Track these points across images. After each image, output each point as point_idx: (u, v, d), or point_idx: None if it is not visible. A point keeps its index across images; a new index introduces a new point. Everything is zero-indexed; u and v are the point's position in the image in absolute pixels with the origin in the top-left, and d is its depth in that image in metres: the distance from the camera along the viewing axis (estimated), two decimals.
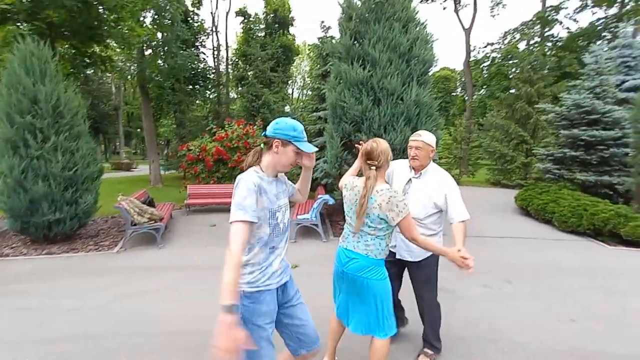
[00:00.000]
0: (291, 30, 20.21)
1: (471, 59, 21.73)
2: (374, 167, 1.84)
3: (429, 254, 2.25)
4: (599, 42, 13.60)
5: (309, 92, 12.85)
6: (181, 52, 14.29)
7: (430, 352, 2.45)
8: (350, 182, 1.99)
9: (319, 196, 5.90)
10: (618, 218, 5.50)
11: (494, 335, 2.76)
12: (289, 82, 23.77)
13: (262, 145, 1.62)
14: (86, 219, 5.70)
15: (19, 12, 7.03)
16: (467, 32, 20.81)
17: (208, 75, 18.25)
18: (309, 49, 29.45)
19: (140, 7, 8.90)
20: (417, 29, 5.63)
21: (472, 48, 21.73)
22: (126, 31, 8.39)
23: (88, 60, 9.88)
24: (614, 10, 17.86)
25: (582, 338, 2.75)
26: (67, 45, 9.28)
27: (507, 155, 12.32)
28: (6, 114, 4.92)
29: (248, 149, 8.78)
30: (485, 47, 21.98)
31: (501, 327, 2.89)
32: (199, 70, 17.50)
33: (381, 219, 1.81)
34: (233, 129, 9.01)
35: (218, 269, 4.37)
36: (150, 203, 6.02)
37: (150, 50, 13.65)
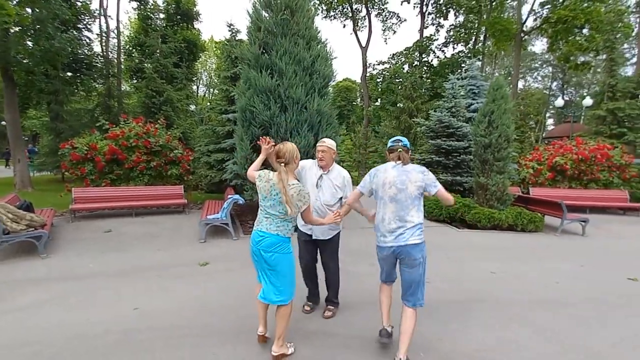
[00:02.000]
0: (196, 25, 19.34)
1: (367, 74, 24.49)
2: (282, 163, 2.35)
3: (335, 233, 3.12)
4: (459, 71, 17.19)
5: (217, 92, 12.60)
6: (60, 33, 12.25)
7: (332, 307, 3.29)
8: (265, 175, 2.43)
9: (229, 196, 6.10)
10: (464, 208, 7.30)
11: (373, 299, 3.56)
12: (194, 79, 22.57)
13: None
14: None
15: None
16: (364, 50, 23.41)
17: (94, 63, 15.98)
18: (216, 47, 28.37)
19: None
20: (319, 46, 6.38)
21: (368, 64, 24.51)
22: None
23: None
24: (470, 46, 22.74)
25: (431, 294, 3.77)
26: None
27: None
28: None
29: (149, 148, 8.26)
30: (378, 64, 25.03)
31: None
32: (82, 56, 15.19)
33: (297, 206, 2.37)
34: (130, 127, 8.33)
35: (120, 274, 4.36)
36: (28, 208, 5.22)
37: (17, 29, 11.31)
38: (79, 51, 14.77)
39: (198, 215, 7.74)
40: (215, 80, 30.19)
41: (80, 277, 4.12)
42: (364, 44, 23.42)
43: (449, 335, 2.92)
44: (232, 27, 10.47)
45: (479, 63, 20.50)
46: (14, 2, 9.56)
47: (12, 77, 11.66)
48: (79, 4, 15.05)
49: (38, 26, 11.54)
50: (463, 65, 18.83)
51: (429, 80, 21.57)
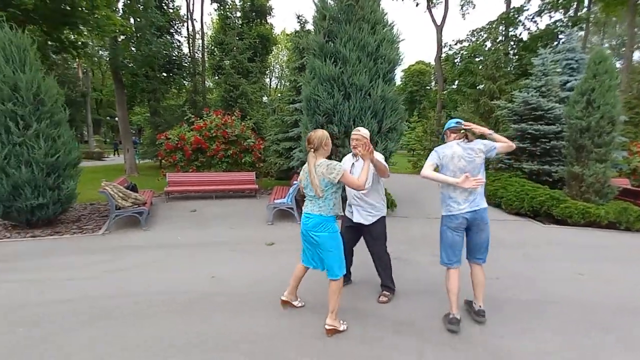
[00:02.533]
0: (269, 19, 20.26)
1: (442, 55, 22.73)
2: (312, 149, 2.56)
3: (376, 219, 3.11)
4: (555, 43, 14.83)
5: (287, 84, 13.16)
6: (155, 39, 14.12)
7: (388, 293, 3.28)
8: (303, 168, 2.74)
9: (294, 182, 6.40)
10: (552, 201, 6.41)
11: (434, 288, 3.43)
12: (267, 72, 23.82)
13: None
14: (68, 204, 5.89)
15: None
16: (439, 28, 21.71)
17: (184, 63, 18.05)
18: (286, 40, 29.40)
19: None
20: (384, 30, 6.16)
21: (443, 44, 22.72)
22: (101, 19, 8.36)
23: (58, 45, 9.68)
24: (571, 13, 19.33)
25: (499, 291, 3.46)
26: (38, 31, 9.07)
27: None
28: None
29: (226, 138, 9.10)
30: (456, 44, 23.01)
31: (440, 282, 3.56)
32: (174, 57, 17.28)
33: (326, 184, 2.53)
34: (211, 119, 9.26)
35: (200, 246, 4.93)
36: (133, 189, 6.28)
37: (123, 37, 13.39)
38: (171, 53, 16.81)
39: (266, 200, 8.32)
40: (286, 71, 31.40)
41: (171, 246, 4.83)
42: (439, 22, 21.73)
43: (511, 335, 2.67)
44: (301, 18, 10.73)
45: (581, 33, 17.29)
46: (119, 14, 11.22)
47: (121, 80, 13.85)
48: (170, 11, 17.07)
49: (139, 34, 13.48)
50: (560, 36, 16.16)
51: (516, 57, 19.07)
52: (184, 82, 18.65)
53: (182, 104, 17.11)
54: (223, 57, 16.41)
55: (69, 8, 8.13)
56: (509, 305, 3.19)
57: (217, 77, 18.11)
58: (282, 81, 34.61)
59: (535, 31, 19.82)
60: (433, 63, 29.30)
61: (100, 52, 15.77)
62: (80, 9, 8.22)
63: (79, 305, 3.07)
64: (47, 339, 2.55)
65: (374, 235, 3.19)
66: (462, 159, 2.69)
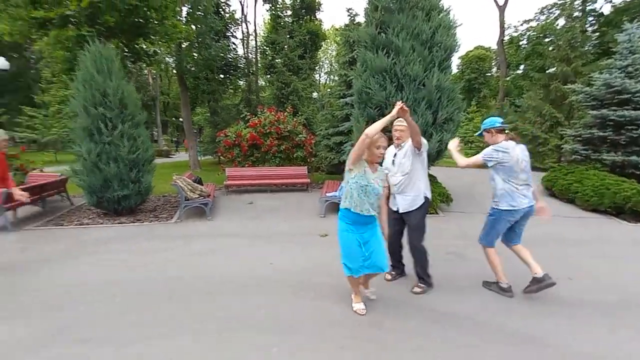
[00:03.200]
0: (318, 15, 20.42)
1: (505, 38, 20.89)
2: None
3: (414, 208, 3.11)
4: None
5: (336, 78, 13.21)
6: (214, 43, 15.11)
7: (422, 285, 3.22)
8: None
9: None
10: (639, 196, 5.62)
11: (478, 283, 3.27)
12: (316, 68, 24.09)
13: None
14: (146, 195, 6.65)
15: (81, 17, 7.99)
16: (501, 9, 19.98)
17: (239, 65, 19.04)
18: (335, 34, 29.38)
19: (179, 1, 9.67)
20: (440, 16, 5.90)
21: (506, 26, 20.85)
22: (169, 28, 9.20)
23: (133, 55, 10.87)
24: None
25: (568, 291, 3.18)
26: (117, 43, 10.29)
27: (539, 137, 12.10)
28: (83, 106, 5.87)
29: (279, 134, 9.48)
30: (522, 24, 20.95)
31: (482, 276, 3.37)
32: (230, 59, 18.32)
33: None
34: (265, 116, 9.70)
35: (258, 236, 5.21)
36: (199, 182, 6.88)
37: (186, 44, 14.54)
38: (228, 56, 17.84)
39: (318, 194, 8.51)
40: (335, 66, 31.45)
41: (232, 235, 5.23)
42: (501, 2, 19.99)
43: (577, 334, 2.45)
44: (350, 11, 10.68)
45: None
46: (183, 22, 12.18)
47: (185, 83, 15.08)
48: (226, 15, 18.07)
49: (199, 39, 14.51)
50: None
51: (596, 34, 16.80)
52: (239, 82, 19.70)
53: (238, 103, 18.10)
54: (274, 56, 17.00)
55: (142, 21, 9.08)
56: (581, 304, 2.93)
57: (268, 76, 18.85)
58: (331, 76, 34.74)
59: (621, 3, 17.21)
60: (494, 47, 27.09)
61: (167, 58, 17.33)
62: (151, 20, 9.14)
63: (161, 283, 3.51)
64: (137, 308, 2.98)
65: (411, 224, 3.16)
66: (523, 161, 2.90)
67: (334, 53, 32.58)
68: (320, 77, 34.45)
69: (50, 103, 19.85)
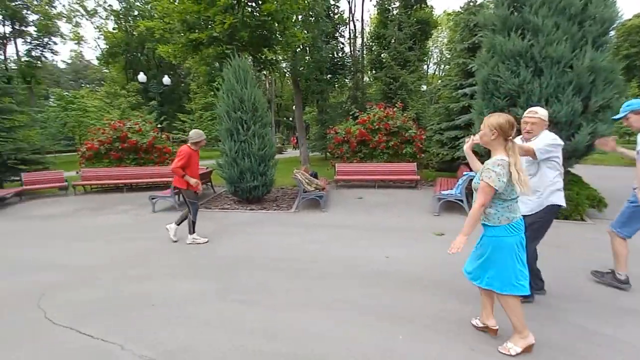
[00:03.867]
0: (429, 1, 19.27)
1: None
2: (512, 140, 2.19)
3: (537, 210, 2.70)
4: None
5: (447, 67, 12.24)
6: (325, 45, 15.94)
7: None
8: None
9: (464, 173, 6.00)
10: None
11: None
12: (425, 59, 22.85)
13: None
14: (270, 187, 7.57)
15: (224, 37, 9.56)
16: None
17: (346, 63, 19.59)
18: (448, 20, 27.18)
19: (298, 12, 10.56)
20: None
21: None
22: (289, 37, 10.15)
23: (259, 64, 12.42)
24: None
25: None
26: (247, 55, 11.91)
27: None
28: (226, 111, 7.04)
29: (388, 130, 9.41)
30: None
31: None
32: (337, 59, 19.01)
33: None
34: (374, 112, 9.76)
35: (369, 230, 5.32)
36: (315, 176, 7.45)
37: (300, 48, 15.76)
38: (336, 55, 18.56)
39: (428, 191, 8.13)
40: (447, 55, 29.14)
41: (346, 227, 5.51)
42: None
43: None
44: None
45: None
46: (298, 28, 13.18)
47: (299, 85, 16.37)
48: (335, 17, 18.78)
49: (312, 43, 15.49)
50: None
51: None
52: (346, 80, 20.27)
53: (345, 101, 18.65)
54: (381, 50, 16.84)
55: (268, 33, 10.28)
56: None
57: (374, 72, 18.80)
58: (442, 66, 32.35)
59: None
60: None
61: (283, 64, 19.12)
62: (275, 32, 10.26)
63: (287, 263, 3.99)
64: (274, 281, 3.48)
65: (531, 228, 2.64)
66: None
67: (445, 41, 30.22)
68: (428, 68, 32.51)
69: (196, 110, 24.36)
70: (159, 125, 14.89)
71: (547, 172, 2.68)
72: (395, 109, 9.74)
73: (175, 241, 4.88)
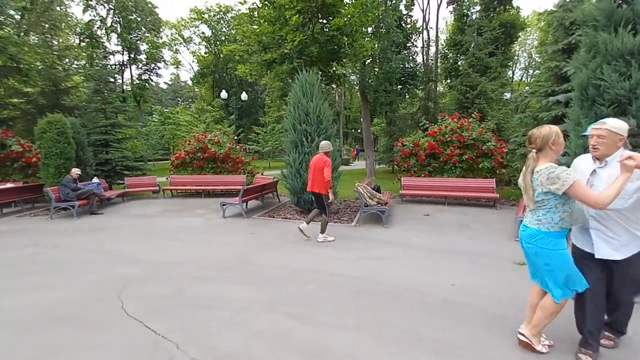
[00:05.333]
0: (515, 2, 17.54)
1: None
2: (533, 150, 2.17)
3: (637, 250, 2.12)
4: None
5: (539, 72, 10.78)
6: (395, 56, 15.60)
7: (613, 335, 2.42)
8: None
9: None
10: None
11: None
12: (509, 64, 20.76)
13: None
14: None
15: (294, 53, 10.03)
16: None
17: (417, 73, 18.87)
18: (539, 20, 24.37)
19: (367, 24, 10.55)
20: None
21: None
22: (357, 49, 10.18)
23: (328, 78, 12.69)
24: None
25: None
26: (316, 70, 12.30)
27: None
28: (292, 124, 7.29)
29: (462, 142, 8.64)
30: None
31: None
32: (409, 69, 18.42)
33: (545, 193, 2.09)
34: (447, 123, 9.09)
35: (436, 251, 4.88)
36: (377, 190, 7.19)
37: (369, 60, 15.70)
38: (407, 65, 18.01)
39: (509, 211, 7.19)
40: (537, 58, 26.04)
41: (407, 246, 5.13)
42: None
43: None
44: None
45: None
46: (368, 40, 13.15)
47: (366, 96, 16.26)
48: (408, 26, 18.31)
49: (381, 54, 15.31)
50: None
51: None
52: (417, 90, 19.50)
53: (415, 112, 17.92)
54: (457, 58, 15.80)
55: (337, 47, 10.47)
56: None
57: (449, 80, 17.69)
58: (530, 71, 28.98)
59: None
60: None
61: (352, 77, 19.29)
62: (344, 45, 10.39)
63: (345, 280, 3.83)
64: (327, 298, 3.36)
65: (625, 275, 2.17)
66: None
67: (535, 43, 27.08)
68: (513, 74, 29.43)
69: (268, 123, 26.03)
70: (235, 137, 16.25)
71: None
72: (471, 120, 8.93)
73: (308, 237, 5.49)
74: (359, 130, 40.84)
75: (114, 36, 28.77)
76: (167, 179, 11.00)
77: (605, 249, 2.14)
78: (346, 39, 10.04)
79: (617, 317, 2.39)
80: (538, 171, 2.11)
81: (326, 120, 7.28)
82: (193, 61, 37.62)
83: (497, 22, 14.37)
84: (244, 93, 16.65)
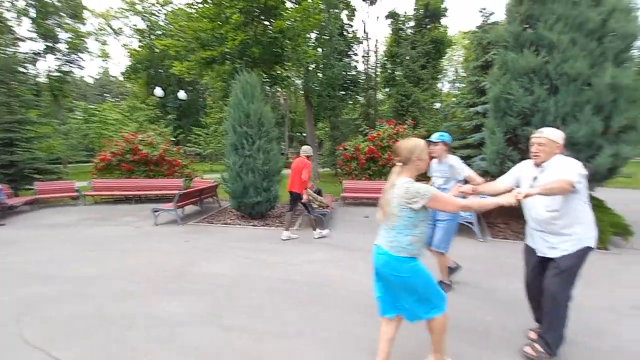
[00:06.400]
0: (443, 21, 19.33)
1: None
2: (399, 163, 2.00)
3: (574, 250, 2.21)
4: None
5: (463, 85, 12.03)
6: (337, 62, 16.07)
7: (540, 349, 2.34)
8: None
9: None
10: None
11: None
12: (439, 77, 22.74)
13: None
14: (274, 202, 7.42)
15: (235, 53, 9.72)
16: None
17: (359, 80, 19.69)
18: (464, 38, 27.18)
19: (310, 29, 10.69)
20: None
21: None
22: (301, 54, 10.24)
23: (271, 81, 12.55)
24: None
25: None
26: (259, 72, 12.08)
27: None
28: (232, 126, 7.03)
29: None
30: None
31: None
32: (350, 76, 19.13)
33: (400, 210, 1.91)
34: (384, 129, 9.59)
35: (368, 251, 4.99)
36: (319, 193, 7.26)
37: (312, 66, 15.94)
38: (349, 73, 18.68)
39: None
40: (461, 73, 28.97)
41: (345, 248, 5.25)
42: None
43: None
44: (484, 11, 9.63)
45: None
46: (312, 47, 13.38)
47: (310, 101, 16.46)
48: (349, 35, 19.03)
49: (324, 60, 15.66)
50: None
51: None
52: (358, 97, 20.33)
53: (357, 117, 18.62)
54: (395, 68, 16.85)
55: (280, 50, 10.41)
56: None
57: (387, 89, 18.78)
58: (456, 84, 32.14)
59: None
60: None
61: (296, 81, 19.36)
62: (287, 49, 10.37)
63: (288, 285, 3.77)
64: (268, 305, 3.25)
65: (558, 273, 2.25)
66: None
67: (461, 59, 30.14)
68: (443, 86, 32.36)
69: (210, 124, 24.86)
70: (172, 139, 15.18)
71: (577, 205, 2.22)
72: (405, 127, 9.55)
73: (297, 236, 5.85)
74: (304, 134, 41.16)
75: (27, 21, 25.01)
76: (89, 183, 9.82)
77: (543, 248, 2.35)
78: (289, 42, 10.04)
79: (547, 326, 2.37)
80: (397, 185, 1.95)
81: (268, 122, 7.16)
82: (125, 55, 34.41)
83: (428, 38, 15.67)
84: (181, 92, 15.65)
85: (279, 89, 16.99)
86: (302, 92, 17.50)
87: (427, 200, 1.85)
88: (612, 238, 4.99)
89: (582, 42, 4.54)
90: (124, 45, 32.62)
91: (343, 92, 19.33)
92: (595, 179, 4.66)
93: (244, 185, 6.86)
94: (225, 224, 6.98)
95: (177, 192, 7.21)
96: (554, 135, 2.25)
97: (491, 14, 9.55)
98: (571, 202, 2.18)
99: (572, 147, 4.51)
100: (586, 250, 2.23)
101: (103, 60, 34.85)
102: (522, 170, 2.45)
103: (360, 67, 20.92)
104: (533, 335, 2.55)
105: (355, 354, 2.50)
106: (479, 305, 3.25)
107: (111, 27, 31.38)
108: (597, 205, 5.26)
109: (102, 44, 32.73)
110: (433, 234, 3.45)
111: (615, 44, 4.50)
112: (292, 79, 18.02)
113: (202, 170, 14.17)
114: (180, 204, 6.98)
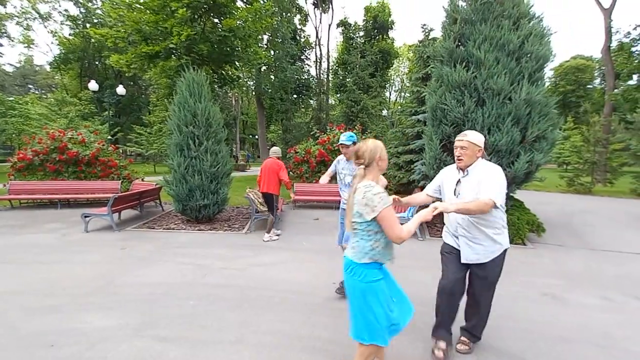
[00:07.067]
0: (391, 33, 20.45)
1: (613, 44, 18.05)
2: (362, 166, 1.89)
3: (496, 255, 2.32)
4: None
5: (407, 95, 12.85)
6: (290, 66, 16.15)
7: (467, 340, 2.55)
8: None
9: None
10: None
11: (605, 342, 2.62)
12: (387, 85, 23.95)
13: None
14: (222, 206, 7.18)
15: (180, 48, 9.27)
16: (607, 12, 17.42)
17: (311, 85, 19.98)
18: (408, 51, 28.98)
19: (262, 31, 10.60)
20: (531, 23, 5.32)
21: (614, 31, 18.05)
22: (251, 55, 10.10)
23: (220, 80, 12.19)
24: None
25: None
26: (208, 70, 11.65)
27: None
28: (177, 125, 6.67)
29: None
30: (634, 28, 17.92)
31: (616, 336, 2.70)
32: (303, 80, 19.35)
33: (359, 215, 1.81)
34: (334, 133, 9.83)
35: (321, 252, 5.18)
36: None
37: (264, 67, 15.83)
38: (301, 77, 18.87)
39: None
40: (406, 83, 30.86)
41: (297, 250, 5.28)
42: (606, 5, 17.45)
43: None
44: (425, 27, 10.38)
45: None
46: (264, 48, 13.32)
47: (262, 104, 16.31)
48: (302, 40, 19.26)
49: (277, 63, 15.65)
50: None
51: None
52: (310, 101, 20.62)
53: (308, 121, 18.85)
54: (346, 75, 17.39)
55: (229, 50, 10.16)
56: None
57: (338, 95, 19.32)
58: (402, 94, 34.13)
59: None
60: (596, 56, 23.60)
61: (248, 82, 19.05)
62: (237, 49, 10.16)
63: (230, 290, 3.66)
64: (208, 313, 3.13)
65: (481, 274, 2.38)
66: None
67: (406, 70, 32.08)
68: (390, 94, 34.12)
69: (154, 123, 23.30)
70: (109, 137, 13.94)
71: (498, 212, 2.29)
72: (354, 131, 9.88)
73: (278, 237, 5.96)
74: (256, 137, 40.50)
75: None
76: (4, 186, 8.60)
77: (470, 254, 2.35)
78: (239, 42, 9.85)
79: (475, 322, 2.53)
80: (359, 187, 1.83)
81: (216, 123, 6.93)
82: (53, 42, 30.85)
83: (376, 48, 16.46)
84: (120, 87, 14.44)
85: (229, 89, 16.52)
86: (254, 93, 17.24)
87: (377, 214, 1.75)
88: (528, 234, 5.69)
89: (504, 61, 5.13)
90: (53, 32, 29.24)
91: (295, 96, 19.46)
92: (515, 182, 5.28)
93: (190, 187, 6.55)
94: (168, 229, 6.59)
95: (112, 195, 6.64)
96: (475, 138, 2.27)
97: (431, 30, 10.36)
98: (493, 211, 2.23)
99: (496, 154, 5.06)
100: (505, 252, 2.37)
101: (25, 47, 30.91)
102: (445, 175, 2.49)
103: (313, 72, 21.27)
104: (443, 345, 2.47)
105: (300, 355, 2.52)
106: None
107: (37, 12, 27.98)
108: (517, 206, 5.95)
109: (25, 29, 29.03)
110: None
111: (530, 65, 5.15)
112: (244, 79, 17.71)
113: (143, 172, 13.20)
114: (115, 208, 6.43)
